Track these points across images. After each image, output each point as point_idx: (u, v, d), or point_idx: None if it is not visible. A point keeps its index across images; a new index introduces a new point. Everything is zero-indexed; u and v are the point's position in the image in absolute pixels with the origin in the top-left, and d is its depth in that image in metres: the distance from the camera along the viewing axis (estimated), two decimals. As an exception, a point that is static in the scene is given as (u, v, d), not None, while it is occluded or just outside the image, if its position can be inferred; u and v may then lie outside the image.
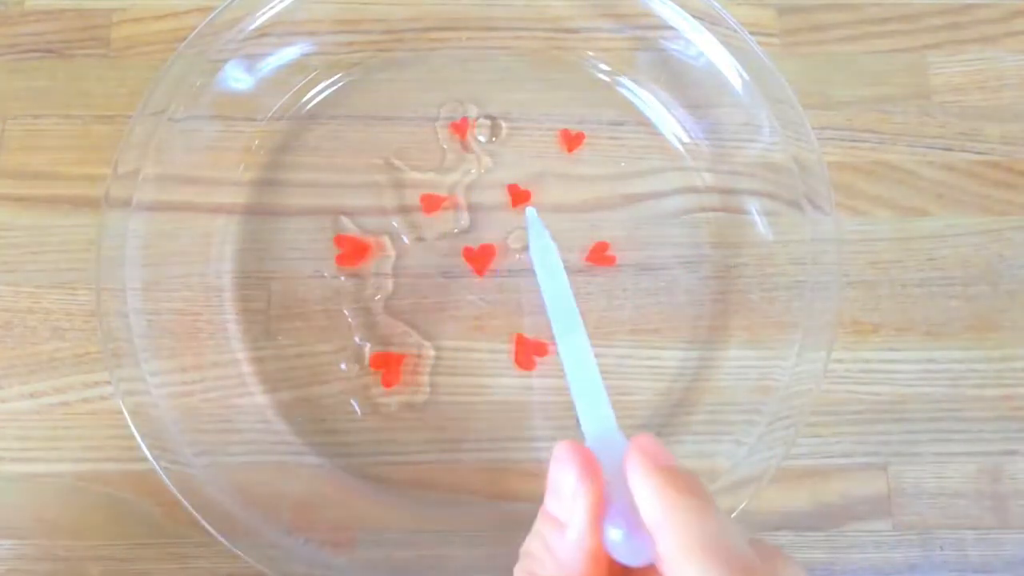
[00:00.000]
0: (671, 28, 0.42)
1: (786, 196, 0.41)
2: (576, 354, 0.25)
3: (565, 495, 0.21)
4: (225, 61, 0.41)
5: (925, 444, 0.40)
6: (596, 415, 0.23)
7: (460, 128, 0.43)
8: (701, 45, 0.42)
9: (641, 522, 0.21)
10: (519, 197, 0.42)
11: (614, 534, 0.21)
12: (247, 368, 0.40)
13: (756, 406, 0.39)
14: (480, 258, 0.41)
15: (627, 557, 0.21)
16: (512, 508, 0.39)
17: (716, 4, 0.41)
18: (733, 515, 0.36)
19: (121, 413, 0.36)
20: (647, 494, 0.21)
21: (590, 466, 0.22)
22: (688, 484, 0.21)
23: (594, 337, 0.40)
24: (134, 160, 0.39)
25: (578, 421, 0.24)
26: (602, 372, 0.25)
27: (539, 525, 0.22)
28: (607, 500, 0.21)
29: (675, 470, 0.21)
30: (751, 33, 0.41)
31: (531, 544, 0.22)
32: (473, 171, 0.43)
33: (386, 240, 0.42)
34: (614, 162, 0.43)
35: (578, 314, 0.25)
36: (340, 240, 0.41)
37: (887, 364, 0.41)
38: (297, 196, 0.42)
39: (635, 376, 0.40)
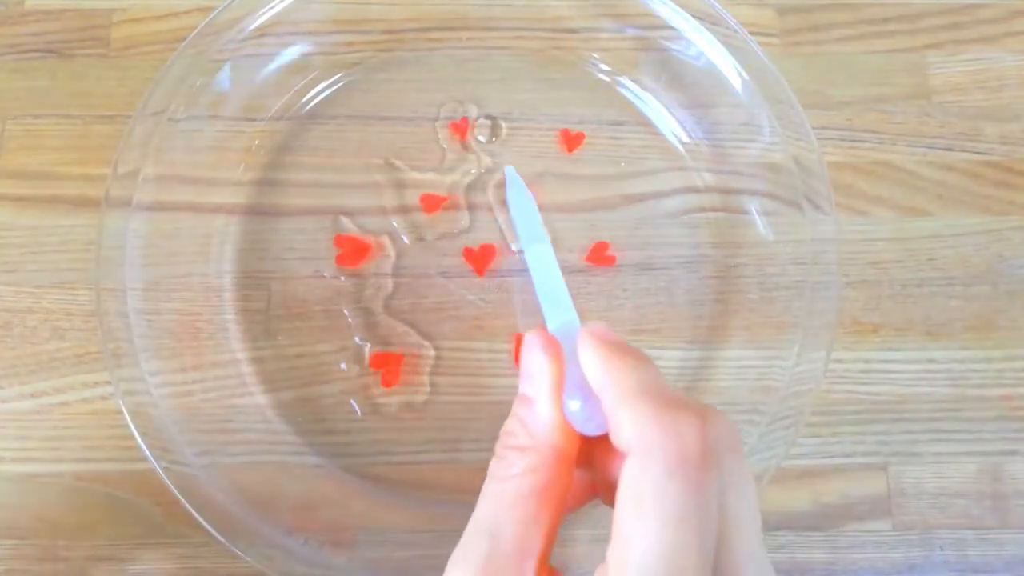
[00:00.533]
0: (671, 28, 0.42)
1: (786, 196, 0.41)
2: (541, 260, 0.28)
3: (534, 376, 0.24)
4: (225, 61, 0.41)
5: (925, 444, 0.40)
6: (558, 309, 0.26)
7: (460, 128, 0.43)
8: (701, 45, 0.42)
9: (594, 393, 0.23)
10: (519, 197, 0.42)
11: (572, 404, 0.24)
12: (247, 368, 0.40)
13: (756, 406, 0.39)
14: (480, 258, 0.41)
15: (583, 424, 0.24)
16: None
17: (716, 4, 0.41)
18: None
19: (121, 413, 0.36)
20: (591, 362, 0.23)
21: (553, 348, 0.25)
22: (627, 350, 0.24)
23: (594, 337, 0.41)
24: (134, 160, 0.39)
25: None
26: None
27: (515, 407, 0.25)
28: (568, 379, 0.24)
29: (617, 343, 0.24)
30: (751, 33, 0.41)
31: (509, 423, 0.25)
32: (473, 171, 0.43)
33: (386, 240, 0.42)
34: (614, 162, 0.43)
35: (544, 229, 0.29)
36: (340, 240, 0.41)
37: (887, 364, 0.41)
38: (297, 196, 0.42)
39: (635, 376, 0.40)
